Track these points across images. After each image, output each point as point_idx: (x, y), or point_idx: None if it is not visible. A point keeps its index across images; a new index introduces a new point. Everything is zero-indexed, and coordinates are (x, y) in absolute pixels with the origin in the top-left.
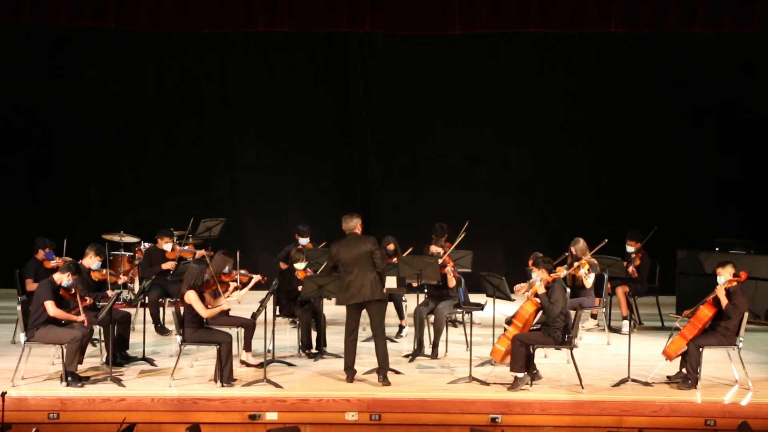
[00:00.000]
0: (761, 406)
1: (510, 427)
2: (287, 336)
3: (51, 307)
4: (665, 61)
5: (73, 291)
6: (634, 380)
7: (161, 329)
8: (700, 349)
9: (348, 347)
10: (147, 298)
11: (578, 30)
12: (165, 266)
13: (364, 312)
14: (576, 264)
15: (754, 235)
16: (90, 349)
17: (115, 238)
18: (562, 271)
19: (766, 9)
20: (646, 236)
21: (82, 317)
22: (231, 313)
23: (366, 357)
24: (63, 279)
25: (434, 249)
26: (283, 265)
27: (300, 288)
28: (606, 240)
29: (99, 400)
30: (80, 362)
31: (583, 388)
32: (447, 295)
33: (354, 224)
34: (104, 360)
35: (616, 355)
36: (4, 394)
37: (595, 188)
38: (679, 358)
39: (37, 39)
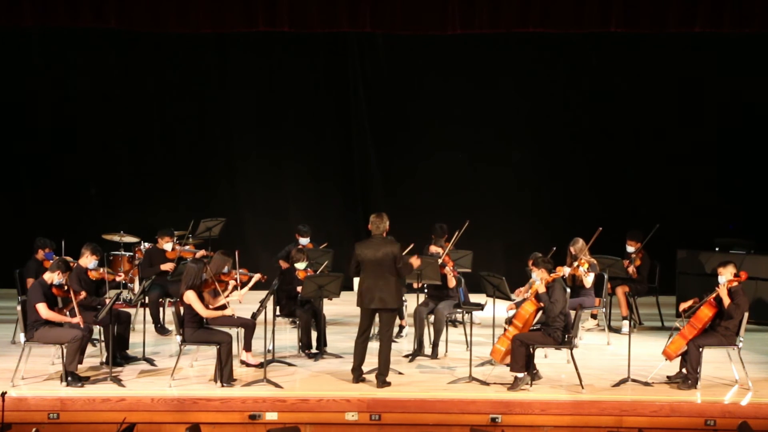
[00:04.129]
0: (761, 406)
1: (510, 427)
2: (287, 336)
3: (43, 310)
4: (665, 61)
5: (66, 288)
6: (634, 380)
7: (161, 329)
8: (700, 349)
9: (357, 348)
10: (147, 298)
11: (578, 30)
12: (164, 267)
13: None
14: (575, 263)
15: (754, 235)
16: (90, 349)
17: (115, 238)
18: (561, 271)
19: (766, 9)
20: (647, 236)
21: (77, 319)
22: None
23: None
24: (53, 278)
25: (434, 249)
26: (284, 265)
27: (300, 288)
28: (600, 228)
29: (99, 400)
30: (80, 362)
31: (583, 388)
32: (447, 295)
33: (383, 227)
34: (104, 360)
35: (616, 355)
36: (4, 394)
37: (595, 188)
38: (679, 358)
39: (37, 39)
